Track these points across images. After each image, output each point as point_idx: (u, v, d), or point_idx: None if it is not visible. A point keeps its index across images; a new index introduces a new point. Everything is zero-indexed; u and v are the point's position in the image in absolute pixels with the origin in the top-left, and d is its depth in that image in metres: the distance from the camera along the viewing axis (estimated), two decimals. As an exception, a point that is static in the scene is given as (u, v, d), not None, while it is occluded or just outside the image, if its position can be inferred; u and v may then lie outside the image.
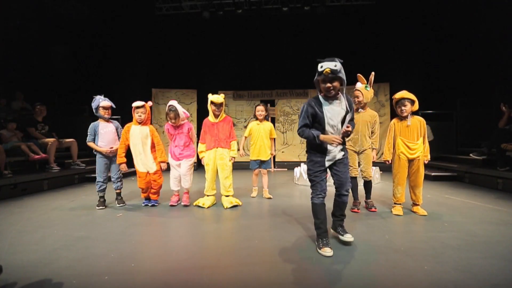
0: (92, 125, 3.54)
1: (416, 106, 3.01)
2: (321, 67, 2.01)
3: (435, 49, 7.27)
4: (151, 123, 3.59)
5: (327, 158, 2.11)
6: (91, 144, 3.49)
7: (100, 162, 3.49)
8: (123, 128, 3.49)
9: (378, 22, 7.73)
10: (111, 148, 3.49)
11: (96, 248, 2.17)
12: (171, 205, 3.53)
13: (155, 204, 3.57)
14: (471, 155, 5.24)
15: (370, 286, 1.60)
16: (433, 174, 5.44)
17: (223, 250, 2.16)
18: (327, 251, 2.00)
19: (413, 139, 3.02)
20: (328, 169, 2.20)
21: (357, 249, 2.11)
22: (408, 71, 7.22)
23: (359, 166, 3.26)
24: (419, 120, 3.05)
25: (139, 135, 3.36)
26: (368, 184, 3.28)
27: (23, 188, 4.32)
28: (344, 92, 2.09)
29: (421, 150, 3.01)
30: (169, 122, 3.50)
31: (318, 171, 2.12)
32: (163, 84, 8.17)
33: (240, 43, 8.41)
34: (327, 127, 2.07)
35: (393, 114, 7.59)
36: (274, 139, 4.10)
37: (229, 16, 8.05)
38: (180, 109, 3.43)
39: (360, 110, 3.22)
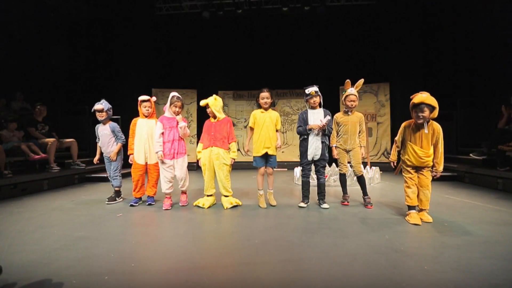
0: (96, 127, 3.85)
1: (435, 114, 2.62)
2: (308, 91, 3.29)
3: (435, 49, 7.26)
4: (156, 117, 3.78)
5: (308, 155, 3.36)
6: (98, 146, 3.82)
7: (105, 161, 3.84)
8: (120, 127, 3.77)
9: (378, 22, 7.73)
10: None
11: (96, 248, 2.16)
12: (166, 209, 3.33)
13: (152, 203, 3.57)
14: (471, 155, 5.24)
15: (370, 286, 1.60)
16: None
17: (223, 250, 2.16)
18: (301, 204, 3.44)
19: (426, 147, 2.71)
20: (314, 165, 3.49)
21: (357, 249, 2.11)
22: (408, 71, 7.21)
23: (349, 163, 3.61)
24: (434, 128, 2.70)
25: (145, 127, 3.54)
26: (361, 179, 3.47)
27: (23, 188, 4.32)
28: (321, 105, 3.42)
29: (431, 158, 2.72)
30: (175, 111, 3.37)
31: (305, 162, 3.41)
32: (163, 84, 8.16)
33: (240, 43, 8.39)
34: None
35: (394, 114, 7.68)
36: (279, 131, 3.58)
37: (229, 16, 8.04)
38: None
39: (349, 113, 3.51)
